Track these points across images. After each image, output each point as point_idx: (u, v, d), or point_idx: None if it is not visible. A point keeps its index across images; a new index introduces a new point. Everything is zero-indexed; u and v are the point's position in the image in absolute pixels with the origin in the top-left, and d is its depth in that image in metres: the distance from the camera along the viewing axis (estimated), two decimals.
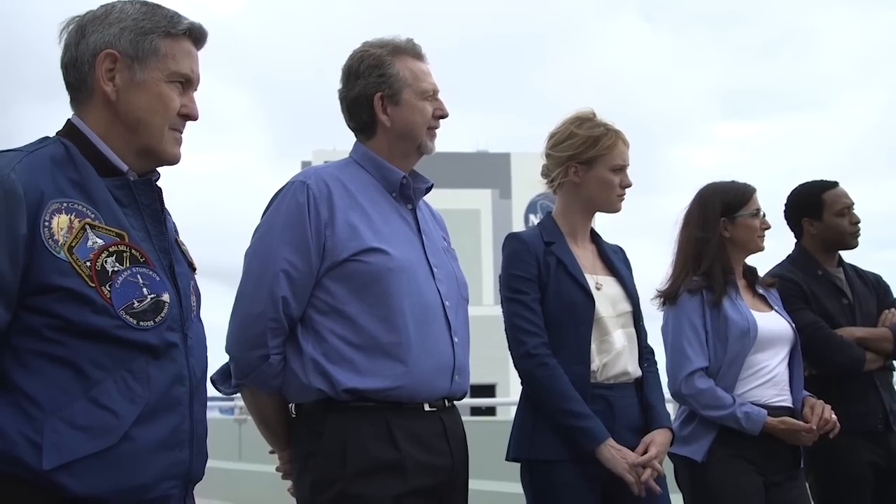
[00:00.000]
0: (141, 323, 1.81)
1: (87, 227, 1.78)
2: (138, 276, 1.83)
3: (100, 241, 1.79)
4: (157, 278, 1.86)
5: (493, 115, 68.91)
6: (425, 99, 2.61)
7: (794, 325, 3.36)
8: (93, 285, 1.76)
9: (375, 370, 2.40)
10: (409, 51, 2.63)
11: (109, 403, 1.76)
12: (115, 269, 1.80)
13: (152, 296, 1.84)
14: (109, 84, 1.89)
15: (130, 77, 1.89)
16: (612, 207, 3.04)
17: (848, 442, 3.38)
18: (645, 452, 2.79)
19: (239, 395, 2.65)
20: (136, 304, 1.81)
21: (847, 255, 3.88)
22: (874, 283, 3.85)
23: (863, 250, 3.88)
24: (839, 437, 3.23)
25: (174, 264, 1.95)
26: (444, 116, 2.65)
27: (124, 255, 1.82)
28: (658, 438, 2.85)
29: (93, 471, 1.73)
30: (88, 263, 1.76)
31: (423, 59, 2.66)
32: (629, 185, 3.02)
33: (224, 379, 2.58)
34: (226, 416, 14.40)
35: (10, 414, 1.70)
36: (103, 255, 1.78)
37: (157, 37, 1.92)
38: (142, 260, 1.85)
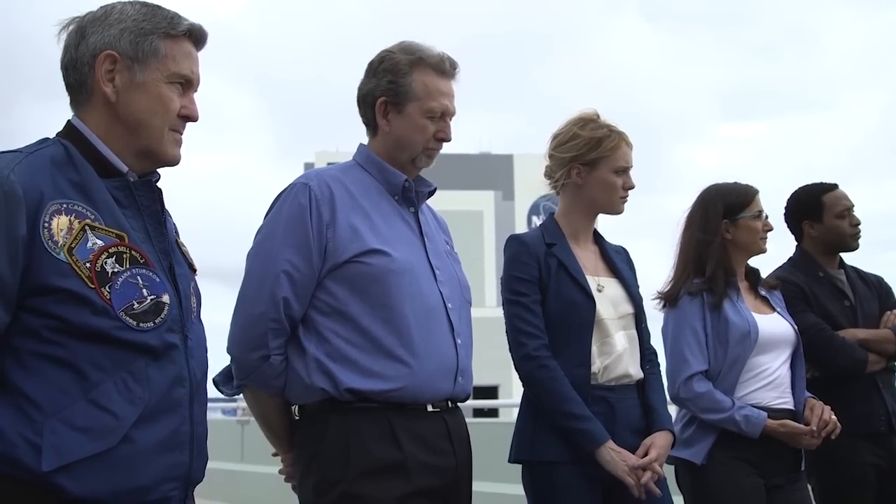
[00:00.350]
0: (141, 324, 1.81)
1: (86, 228, 1.78)
2: (138, 277, 1.82)
3: (99, 243, 1.79)
4: (157, 279, 1.86)
5: (496, 116, 68.97)
6: (429, 118, 2.57)
7: (796, 326, 3.35)
8: (92, 286, 1.75)
9: (378, 371, 2.40)
10: (434, 65, 2.58)
11: (109, 405, 1.75)
12: (115, 270, 1.79)
13: (152, 297, 1.84)
14: (109, 85, 1.88)
15: (130, 78, 1.89)
16: (615, 209, 3.04)
17: (850, 444, 3.37)
18: (645, 455, 2.79)
19: (241, 396, 2.65)
20: (136, 305, 1.81)
21: (849, 257, 3.88)
22: (876, 285, 3.84)
23: (864, 252, 3.88)
24: (841, 438, 3.22)
25: (174, 265, 1.95)
26: (444, 140, 2.62)
27: (124, 256, 1.82)
28: (659, 441, 2.84)
29: (92, 472, 1.72)
30: (88, 265, 1.76)
31: (446, 77, 2.60)
32: (632, 187, 3.02)
33: (226, 380, 2.58)
34: (228, 417, 14.43)
35: (10, 415, 1.70)
36: (103, 257, 1.78)
37: (157, 38, 1.91)
38: (142, 261, 1.84)
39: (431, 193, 2.72)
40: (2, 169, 1.72)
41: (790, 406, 3.22)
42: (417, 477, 2.40)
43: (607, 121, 3.04)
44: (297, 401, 2.49)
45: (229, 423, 12.62)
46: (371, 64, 2.63)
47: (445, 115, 2.60)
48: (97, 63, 1.88)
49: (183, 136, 1.98)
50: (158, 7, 1.95)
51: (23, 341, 1.73)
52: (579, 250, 3.01)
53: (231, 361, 2.52)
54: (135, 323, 1.80)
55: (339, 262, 2.43)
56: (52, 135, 1.91)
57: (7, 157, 1.77)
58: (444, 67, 2.60)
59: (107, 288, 1.77)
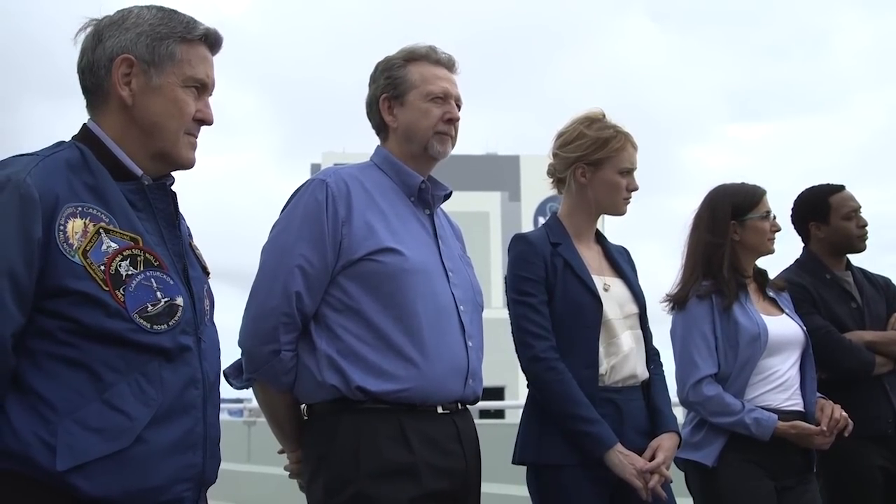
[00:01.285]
0: (154, 326, 1.82)
1: (101, 231, 1.79)
2: (152, 279, 1.84)
3: (114, 245, 1.80)
4: (171, 282, 1.88)
5: (502, 117, 68.78)
6: (432, 101, 2.61)
7: (804, 328, 3.35)
8: (107, 289, 1.77)
9: (389, 370, 2.41)
10: (427, 57, 2.65)
11: (123, 406, 1.77)
12: (130, 272, 1.81)
13: (166, 299, 1.85)
14: (126, 89, 1.90)
15: (146, 82, 1.91)
16: (618, 210, 3.03)
17: (857, 446, 3.37)
18: (653, 457, 2.79)
19: (249, 397, 2.66)
20: (150, 307, 1.82)
21: (856, 259, 3.87)
22: (883, 287, 3.83)
23: (872, 253, 3.87)
24: (848, 440, 3.22)
25: (188, 268, 1.96)
26: (452, 120, 2.64)
27: (138, 258, 1.83)
28: (665, 443, 2.84)
29: (106, 472, 1.74)
30: (102, 267, 1.78)
31: (441, 65, 2.66)
32: (636, 189, 3.01)
33: (237, 373, 2.59)
34: (235, 418, 14.42)
35: (25, 415, 1.72)
36: (117, 259, 1.80)
37: (174, 42, 1.93)
38: (156, 264, 1.86)
39: (447, 197, 2.74)
40: (18, 172, 1.74)
41: (800, 408, 3.22)
42: (428, 479, 2.41)
43: (613, 121, 3.03)
44: (307, 399, 2.50)
45: (236, 423, 12.62)
46: (371, 73, 2.70)
47: (448, 97, 2.64)
48: (114, 67, 1.90)
49: (198, 140, 2.00)
50: (175, 11, 1.97)
51: (38, 343, 1.75)
52: (583, 250, 3.00)
53: (242, 354, 2.53)
54: (148, 325, 1.81)
55: (352, 260, 2.45)
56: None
57: (23, 160, 1.79)
58: (437, 56, 2.67)
59: (121, 290, 1.79)
